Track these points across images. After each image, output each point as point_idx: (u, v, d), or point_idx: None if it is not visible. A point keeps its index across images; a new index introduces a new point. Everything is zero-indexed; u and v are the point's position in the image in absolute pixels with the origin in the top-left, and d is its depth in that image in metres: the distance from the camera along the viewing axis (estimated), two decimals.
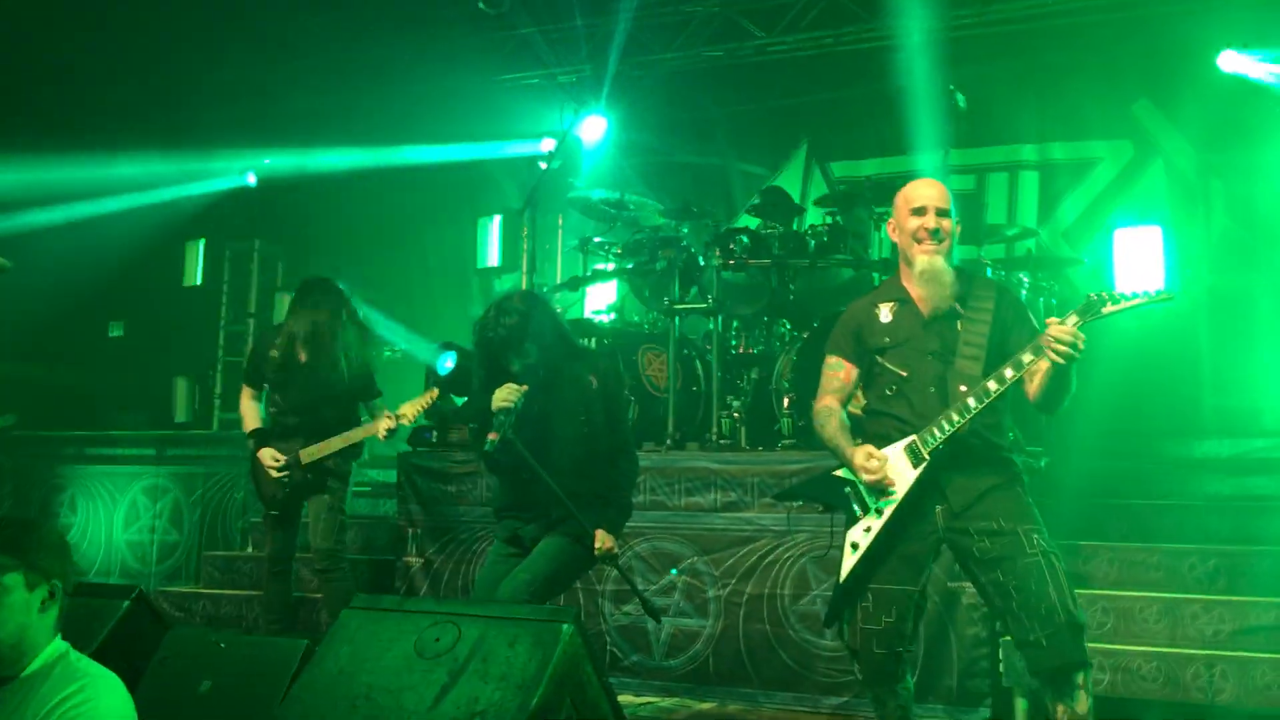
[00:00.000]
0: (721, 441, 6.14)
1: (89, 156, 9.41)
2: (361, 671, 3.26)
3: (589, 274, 7.43)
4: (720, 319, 6.43)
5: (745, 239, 6.56)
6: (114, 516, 8.06)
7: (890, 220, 3.81)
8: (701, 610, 5.59)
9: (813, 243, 6.60)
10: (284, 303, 5.85)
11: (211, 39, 9.41)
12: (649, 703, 5.51)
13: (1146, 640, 4.93)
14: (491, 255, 10.08)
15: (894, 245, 3.85)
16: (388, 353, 8.71)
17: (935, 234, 3.65)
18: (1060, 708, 3.43)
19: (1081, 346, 3.34)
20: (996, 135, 8.45)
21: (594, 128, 8.94)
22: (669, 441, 6.16)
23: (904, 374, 3.65)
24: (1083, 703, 3.41)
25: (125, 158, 9.67)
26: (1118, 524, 5.73)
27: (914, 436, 3.56)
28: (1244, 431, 6.83)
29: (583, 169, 9.22)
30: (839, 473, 3.72)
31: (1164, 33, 7.69)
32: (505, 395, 4.18)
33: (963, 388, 3.53)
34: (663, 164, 9.43)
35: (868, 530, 3.60)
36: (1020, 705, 4.72)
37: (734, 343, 6.80)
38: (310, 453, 5.44)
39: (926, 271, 3.65)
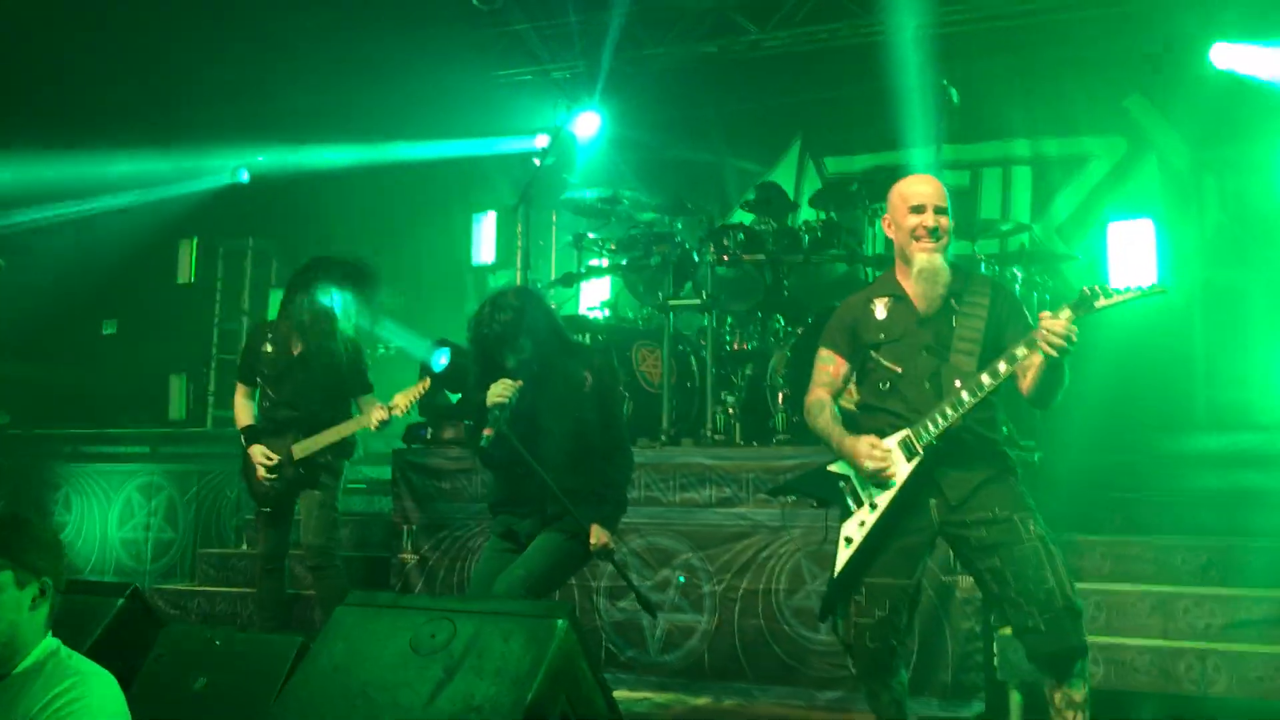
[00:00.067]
0: (716, 437, 6.15)
1: (82, 154, 9.39)
2: (357, 668, 3.26)
3: (583, 270, 7.44)
4: (714, 315, 6.43)
5: (740, 234, 6.57)
6: (109, 514, 8.06)
7: (886, 216, 3.81)
8: (697, 606, 5.60)
9: (807, 238, 6.61)
10: (278, 300, 5.82)
11: (206, 36, 9.38)
12: (644, 698, 5.52)
13: (1139, 633, 4.95)
14: (486, 252, 10.07)
15: (888, 240, 3.86)
16: (381, 349, 8.70)
17: (934, 232, 3.66)
18: (1059, 694, 3.44)
19: (1075, 340, 3.35)
20: (990, 130, 8.46)
21: (588, 124, 8.93)
22: (664, 437, 6.17)
23: (899, 369, 3.66)
24: (1080, 689, 3.43)
25: (119, 155, 9.65)
26: (1110, 517, 5.75)
27: (907, 430, 3.57)
28: (1236, 425, 6.86)
29: (577, 165, 9.22)
30: (833, 467, 3.73)
31: (1157, 28, 7.70)
32: (500, 391, 4.19)
33: (957, 383, 3.54)
34: (657, 160, 9.43)
35: (862, 524, 3.61)
36: (1014, 699, 4.74)
37: (728, 339, 6.80)
38: (303, 447, 5.43)
39: (925, 270, 3.66)
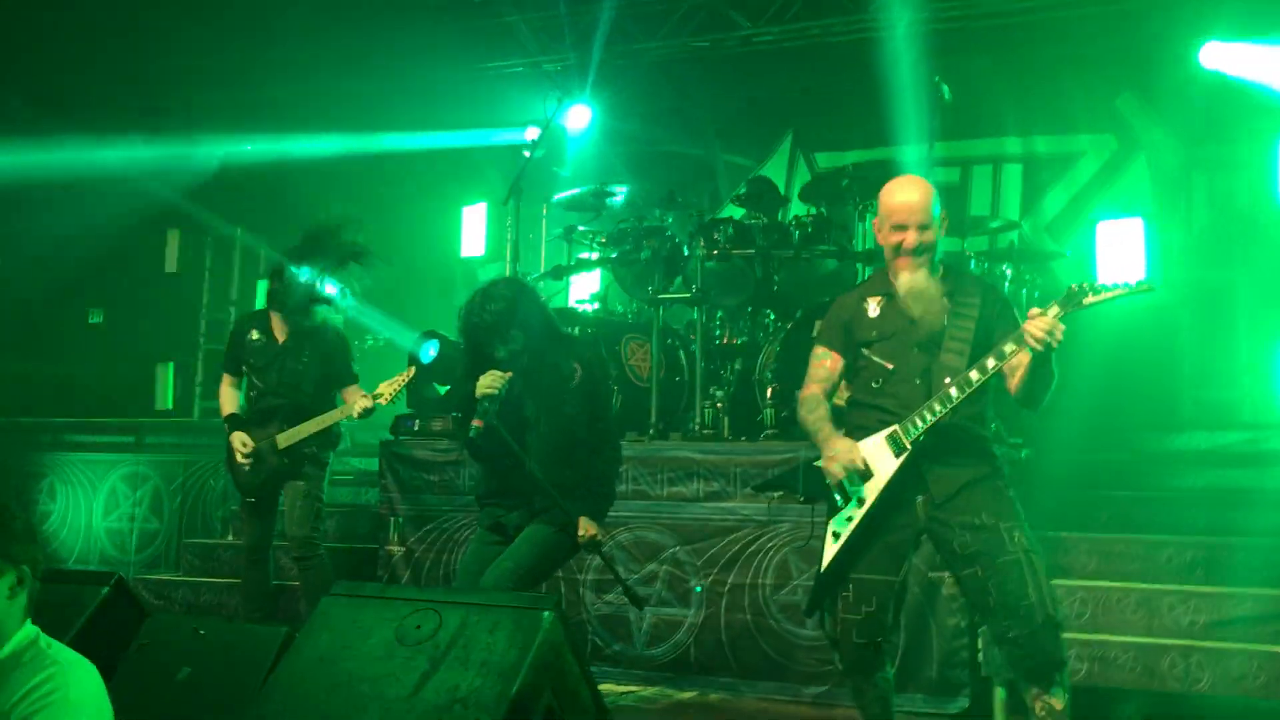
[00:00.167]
0: (704, 431, 6.14)
1: (69, 143, 9.33)
2: (342, 659, 3.25)
3: (573, 263, 7.42)
4: (704, 309, 6.43)
5: (730, 229, 6.56)
6: (93, 504, 8.02)
7: (876, 218, 3.81)
8: (683, 600, 5.60)
9: (797, 233, 6.61)
10: (265, 290, 5.81)
11: (194, 24, 9.34)
12: (630, 691, 5.52)
13: (1124, 630, 4.97)
14: (475, 244, 10.04)
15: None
16: (370, 341, 8.68)
17: (917, 250, 3.65)
18: (1038, 704, 3.46)
19: (1060, 336, 3.35)
20: (981, 128, 8.47)
21: (579, 116, 8.92)
22: (652, 431, 6.16)
23: (890, 367, 3.67)
24: (1059, 699, 3.43)
25: (105, 144, 9.59)
26: (1097, 515, 5.75)
27: (895, 426, 3.57)
28: (1223, 424, 6.87)
29: (567, 158, 9.20)
30: (820, 463, 3.73)
31: (1148, 27, 7.71)
32: (489, 382, 4.18)
33: (947, 380, 3.54)
34: (648, 153, 9.42)
35: (849, 520, 3.61)
36: (999, 695, 4.75)
37: (718, 333, 6.80)
38: (287, 436, 5.42)
39: (912, 291, 3.66)
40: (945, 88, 6.60)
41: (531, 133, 8.67)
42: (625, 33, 8.95)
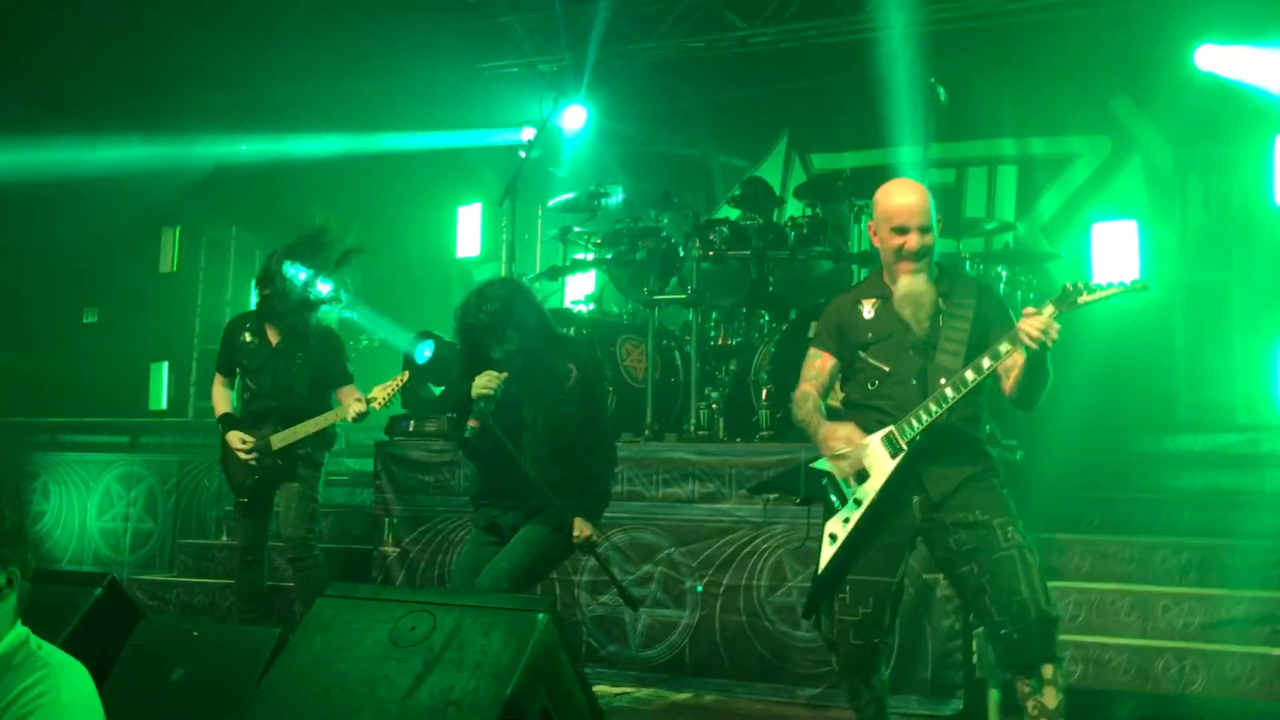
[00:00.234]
0: (700, 432, 6.14)
1: (65, 142, 9.31)
2: (336, 660, 3.24)
3: (568, 264, 7.42)
4: (699, 310, 6.43)
5: (725, 230, 6.57)
6: (87, 504, 8.00)
7: (871, 221, 3.80)
8: (679, 601, 5.60)
9: (792, 234, 6.61)
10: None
11: (191, 24, 9.32)
12: (625, 693, 5.52)
13: (1118, 632, 4.97)
14: (471, 245, 10.04)
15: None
16: (365, 341, 8.67)
17: (918, 254, 3.65)
18: (1031, 702, 3.45)
19: (1055, 335, 3.35)
20: (976, 129, 8.48)
21: (574, 117, 8.91)
22: (647, 432, 6.16)
23: (886, 368, 3.67)
24: (1053, 697, 3.43)
25: (101, 143, 9.57)
26: (1091, 517, 5.76)
27: (891, 427, 3.57)
28: (1217, 426, 6.89)
29: (563, 158, 9.19)
30: (817, 464, 3.73)
31: (1143, 29, 7.72)
32: (485, 382, 4.18)
33: (942, 381, 3.54)
34: (643, 154, 9.41)
35: (845, 521, 3.61)
36: (993, 696, 4.73)
37: (713, 334, 6.80)
38: (281, 438, 5.41)
39: (909, 295, 3.65)
40: (940, 89, 6.61)
41: (527, 133, 8.67)
42: (621, 33, 8.95)
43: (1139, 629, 4.96)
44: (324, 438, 5.55)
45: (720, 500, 5.62)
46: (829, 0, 8.38)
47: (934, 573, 4.98)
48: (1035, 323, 3.36)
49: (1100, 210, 8.17)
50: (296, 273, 5.41)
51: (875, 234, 3.76)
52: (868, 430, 3.62)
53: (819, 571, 3.65)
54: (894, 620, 3.73)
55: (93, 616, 3.78)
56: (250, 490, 5.49)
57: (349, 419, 5.36)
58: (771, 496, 5.27)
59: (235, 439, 5.44)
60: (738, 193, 7.10)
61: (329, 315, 5.64)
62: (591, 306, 7.51)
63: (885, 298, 3.75)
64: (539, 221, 8.15)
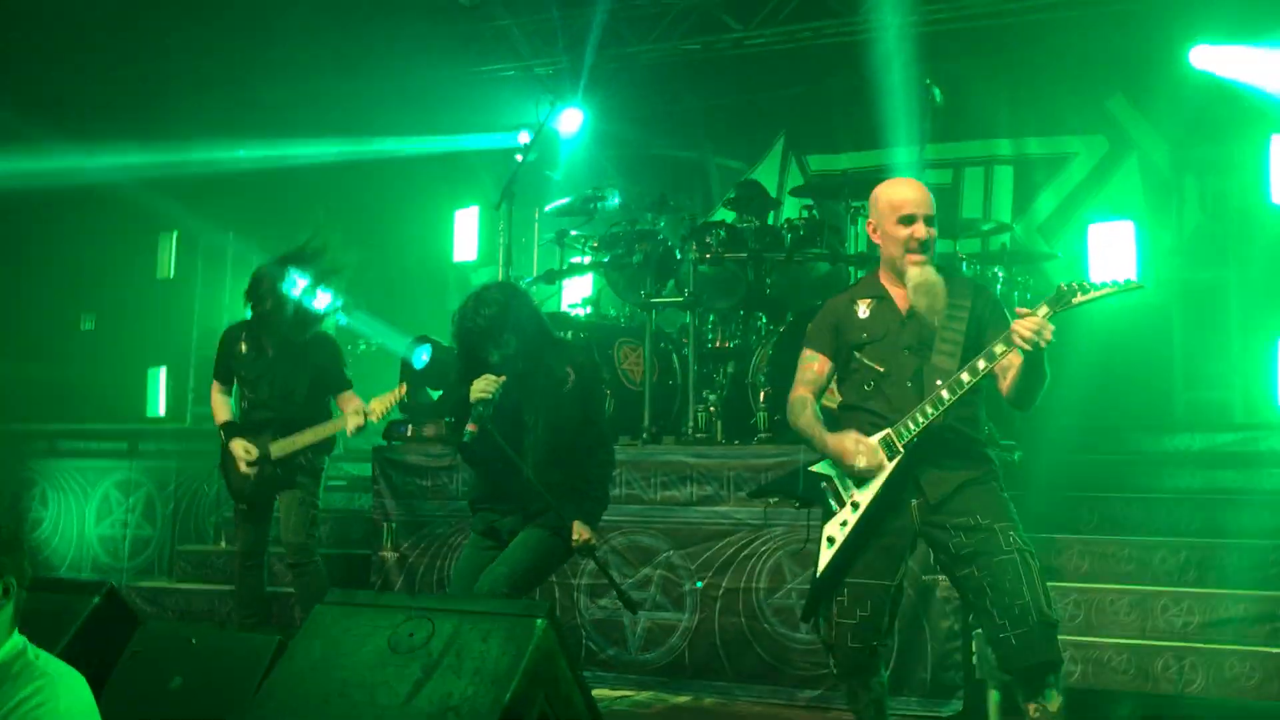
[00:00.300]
0: (698, 435, 6.14)
1: (60, 147, 9.30)
2: (335, 667, 3.24)
3: (565, 267, 7.42)
4: (696, 312, 6.43)
5: (722, 232, 6.57)
6: (86, 511, 7.99)
7: (870, 220, 3.78)
8: (678, 604, 5.60)
9: (789, 236, 6.61)
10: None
11: (186, 29, 9.32)
12: (624, 696, 5.52)
13: (1118, 632, 4.98)
14: (468, 248, 10.03)
15: (871, 240, 3.84)
16: (362, 346, 8.66)
17: (925, 245, 3.64)
18: (1031, 706, 3.45)
19: (1049, 336, 3.35)
20: (972, 130, 8.48)
21: (571, 120, 8.91)
22: (645, 435, 6.16)
23: (881, 369, 3.66)
24: (1054, 701, 3.42)
25: (96, 149, 9.56)
26: (1090, 517, 5.77)
27: (889, 430, 3.57)
28: (1215, 426, 6.90)
29: (560, 161, 9.19)
30: (815, 467, 3.73)
31: (1138, 29, 7.73)
32: (483, 386, 4.18)
33: (939, 382, 3.54)
34: (640, 156, 9.42)
35: (844, 524, 3.61)
36: (993, 697, 4.73)
37: (710, 336, 6.80)
38: (281, 447, 5.41)
39: (921, 285, 3.63)
40: (936, 90, 6.62)
41: (523, 136, 8.68)
42: (618, 36, 8.95)
43: (1138, 629, 4.96)
44: (323, 444, 5.54)
45: (718, 503, 5.62)
46: (824, 2, 8.39)
47: (933, 574, 4.99)
48: (1029, 323, 3.36)
49: (1097, 210, 8.18)
50: (292, 283, 5.41)
51: (876, 230, 3.74)
52: (863, 432, 3.62)
53: (817, 574, 3.65)
54: (893, 623, 3.73)
55: (91, 624, 3.78)
56: (250, 497, 5.49)
57: (347, 432, 5.37)
58: (772, 500, 5.27)
59: (239, 448, 5.43)
60: (732, 195, 7.10)
61: (326, 321, 5.63)
62: (589, 310, 7.51)
63: (881, 297, 3.74)
64: (536, 225, 8.14)
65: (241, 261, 10.01)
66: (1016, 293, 6.74)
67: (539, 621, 3.08)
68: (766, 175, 9.12)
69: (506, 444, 4.16)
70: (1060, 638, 3.49)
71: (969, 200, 8.61)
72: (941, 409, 3.51)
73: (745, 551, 5.51)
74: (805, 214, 6.82)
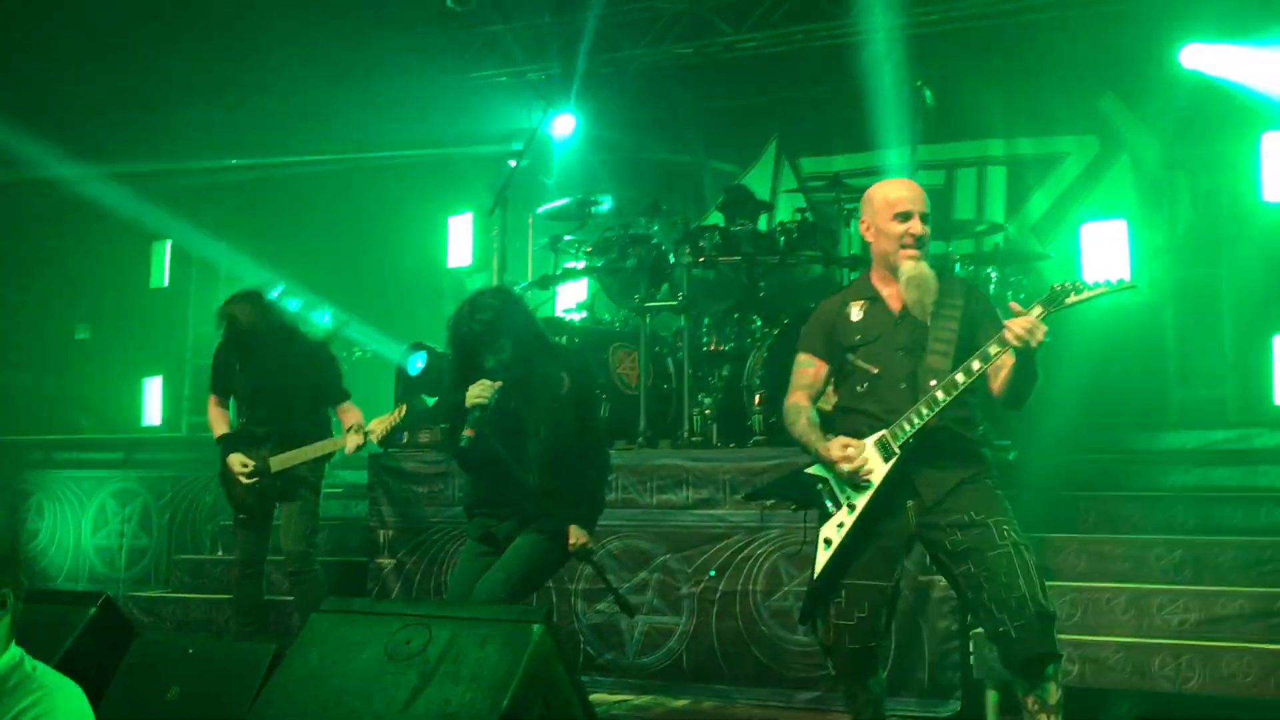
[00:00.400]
0: (693, 439, 6.14)
1: (54, 156, 9.31)
2: (332, 675, 3.25)
3: (559, 272, 7.42)
4: (691, 316, 6.43)
5: (715, 236, 6.57)
6: (82, 521, 7.98)
7: (863, 220, 3.79)
8: (675, 607, 5.60)
9: (782, 239, 6.62)
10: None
11: (178, 39, 9.32)
12: (623, 700, 5.51)
13: (1114, 631, 4.98)
14: (462, 254, 10.04)
15: (864, 242, 3.85)
16: (357, 353, 8.66)
17: (920, 241, 3.66)
18: (1031, 699, 3.45)
19: (1041, 336, 3.36)
20: (964, 130, 8.49)
21: (564, 125, 8.92)
22: (641, 439, 6.16)
23: (875, 371, 3.67)
24: (1053, 694, 3.43)
25: (91, 160, 9.57)
26: (1085, 516, 5.77)
27: (884, 431, 3.57)
28: (1209, 423, 6.91)
29: (553, 167, 9.20)
30: (811, 470, 3.73)
31: (1129, 29, 7.75)
32: (479, 391, 4.19)
33: (933, 383, 3.55)
34: (633, 161, 9.42)
35: (840, 526, 3.61)
36: (991, 697, 4.76)
37: (705, 340, 6.80)
38: (280, 461, 5.42)
39: (915, 278, 3.64)
40: (927, 92, 6.63)
41: (517, 142, 8.68)
42: (610, 41, 8.96)
43: (1135, 627, 4.97)
44: (322, 456, 5.56)
45: (715, 506, 5.62)
46: (815, 4, 8.41)
47: (930, 575, 4.99)
48: (1021, 323, 3.37)
49: (1089, 210, 8.20)
50: (282, 300, 5.42)
51: (870, 228, 3.75)
52: (859, 435, 3.63)
53: (814, 577, 3.65)
54: (890, 624, 3.73)
55: (88, 636, 3.78)
56: (251, 506, 5.50)
57: (346, 451, 5.37)
58: (768, 502, 5.27)
59: (237, 463, 5.44)
60: (721, 200, 7.11)
61: (321, 331, 5.64)
62: (583, 315, 7.51)
63: (874, 299, 3.75)
64: (529, 230, 8.15)
65: (235, 270, 10.03)
66: (1010, 293, 6.76)
67: (536, 627, 3.09)
68: (759, 178, 9.13)
69: (504, 449, 4.16)
70: (1058, 636, 3.49)
71: (962, 201, 8.62)
72: (936, 410, 3.51)
73: (742, 554, 5.51)
74: (798, 216, 6.83)
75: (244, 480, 5.41)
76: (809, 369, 3.80)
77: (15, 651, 2.60)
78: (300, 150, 9.78)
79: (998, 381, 3.59)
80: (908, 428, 3.53)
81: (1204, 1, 7.43)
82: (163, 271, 10.59)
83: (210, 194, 10.27)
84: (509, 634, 3.10)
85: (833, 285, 6.48)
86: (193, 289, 10.09)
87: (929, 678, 5.05)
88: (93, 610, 3.85)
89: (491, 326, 4.24)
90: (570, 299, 8.16)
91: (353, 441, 5.31)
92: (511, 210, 7.31)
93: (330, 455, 5.68)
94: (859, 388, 3.69)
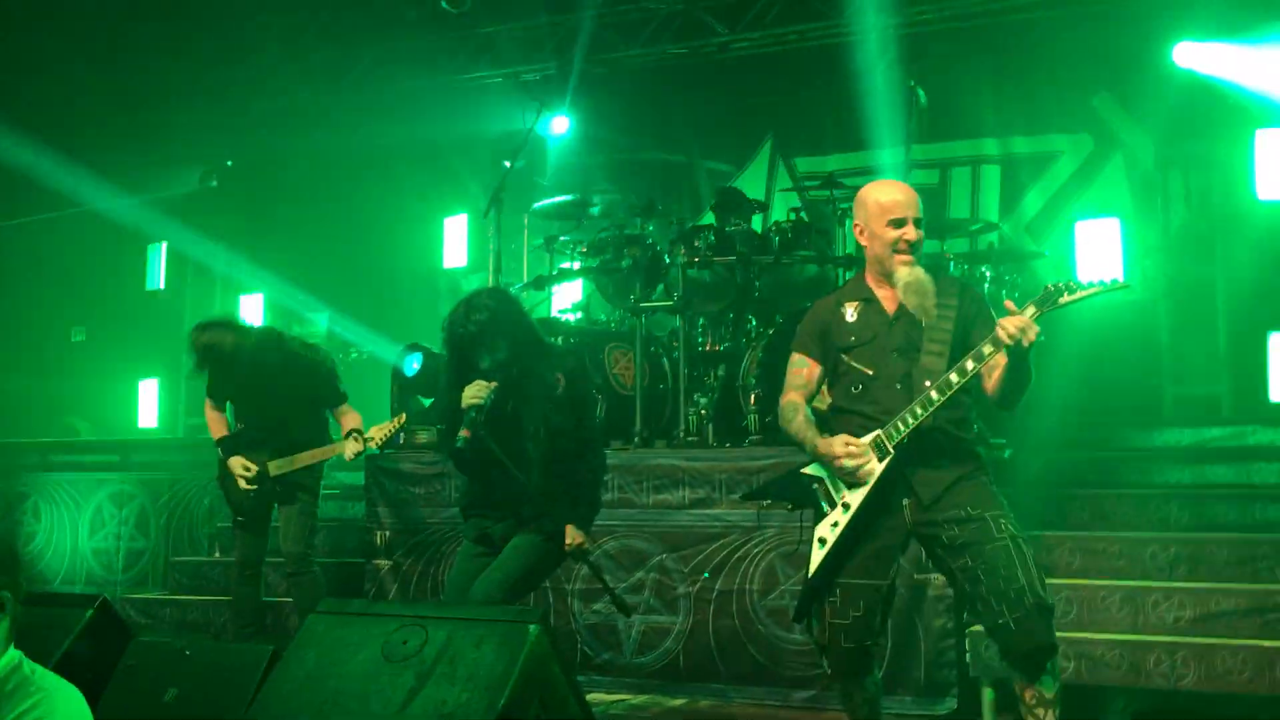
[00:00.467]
0: (689, 439, 6.15)
1: (50, 158, 9.30)
2: (328, 676, 3.25)
3: (554, 273, 7.43)
4: (686, 316, 6.44)
5: (710, 236, 6.58)
6: (79, 523, 7.98)
7: (857, 222, 3.80)
8: (671, 607, 5.61)
9: (777, 239, 6.63)
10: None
11: (173, 40, 9.33)
12: (620, 700, 5.52)
13: (1110, 628, 4.99)
14: (457, 255, 10.05)
15: (858, 242, 3.86)
16: (354, 354, 8.67)
17: (914, 246, 3.67)
18: (1029, 692, 3.46)
19: (1034, 336, 3.37)
20: (959, 130, 8.51)
21: (559, 126, 8.92)
22: (637, 439, 6.17)
23: (870, 372, 3.67)
24: (1051, 687, 3.44)
25: (86, 160, 9.56)
26: (1080, 513, 5.78)
27: (879, 431, 3.58)
28: (1203, 421, 6.92)
29: (548, 167, 9.21)
30: (807, 470, 3.74)
31: (1122, 27, 7.77)
32: (475, 392, 4.19)
33: (927, 383, 3.56)
34: (628, 161, 9.43)
35: (835, 526, 3.62)
36: (987, 695, 4.77)
37: (700, 340, 6.81)
38: (279, 465, 5.44)
39: (911, 284, 3.64)
40: (920, 91, 6.65)
41: (512, 143, 8.68)
42: (604, 42, 8.97)
43: (1130, 624, 4.98)
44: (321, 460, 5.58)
45: (711, 505, 5.63)
46: (809, 5, 8.42)
47: (926, 573, 5.01)
48: (1013, 322, 3.38)
49: (1083, 208, 8.22)
50: (242, 329, 5.43)
51: (863, 232, 3.75)
52: (854, 435, 3.64)
53: (809, 576, 3.66)
54: (885, 623, 3.74)
55: (85, 638, 3.78)
56: (249, 509, 5.51)
57: (345, 457, 5.39)
58: (764, 502, 5.28)
59: (238, 466, 5.45)
60: (713, 202, 7.13)
61: (315, 333, 5.65)
62: (579, 315, 7.52)
63: (868, 300, 3.76)
64: (525, 231, 8.16)
65: (231, 272, 10.04)
66: (1004, 292, 6.77)
67: (532, 627, 3.10)
68: (754, 178, 9.15)
69: (500, 450, 4.17)
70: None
71: (956, 200, 8.64)
72: (930, 409, 3.52)
73: (738, 554, 5.52)
74: (792, 216, 6.84)
75: (243, 483, 5.42)
76: (803, 369, 3.81)
77: (14, 654, 2.60)
78: (295, 151, 9.77)
79: (991, 381, 3.60)
80: (902, 428, 3.54)
81: (1196, 1, 7.45)
82: (158, 274, 10.58)
83: (205, 196, 10.27)
84: (505, 634, 3.11)
85: (828, 285, 6.50)
86: (188, 291, 10.09)
87: (925, 676, 5.07)
88: (90, 613, 3.85)
89: (487, 327, 4.24)
90: (566, 299, 8.16)
91: (351, 448, 5.34)
92: (507, 211, 7.31)
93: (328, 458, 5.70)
94: (854, 389, 3.70)
